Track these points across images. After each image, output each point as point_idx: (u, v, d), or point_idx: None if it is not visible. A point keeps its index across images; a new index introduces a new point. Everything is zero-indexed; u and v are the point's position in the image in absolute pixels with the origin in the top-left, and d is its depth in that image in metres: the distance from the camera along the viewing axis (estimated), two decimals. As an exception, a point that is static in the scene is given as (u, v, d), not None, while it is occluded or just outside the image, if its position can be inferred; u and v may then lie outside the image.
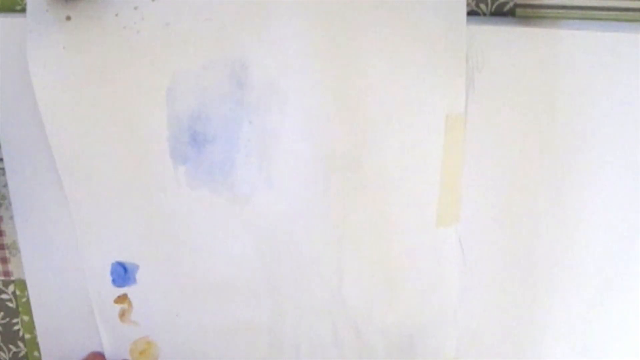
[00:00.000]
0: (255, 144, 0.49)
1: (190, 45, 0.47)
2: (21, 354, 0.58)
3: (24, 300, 0.56)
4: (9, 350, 0.58)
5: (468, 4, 0.46)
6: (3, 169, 0.53)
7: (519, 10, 0.46)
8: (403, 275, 0.52)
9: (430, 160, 0.48)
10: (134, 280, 0.54)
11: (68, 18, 0.47)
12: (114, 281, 0.54)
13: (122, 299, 0.54)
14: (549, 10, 0.46)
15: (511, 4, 0.46)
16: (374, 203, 0.50)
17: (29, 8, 0.47)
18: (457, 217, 0.50)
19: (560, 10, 0.46)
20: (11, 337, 0.58)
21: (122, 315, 0.55)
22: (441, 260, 0.51)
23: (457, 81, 0.46)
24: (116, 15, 0.47)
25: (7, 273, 0.56)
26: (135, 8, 0.46)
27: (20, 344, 0.58)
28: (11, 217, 0.54)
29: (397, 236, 0.51)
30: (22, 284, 0.56)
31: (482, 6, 0.46)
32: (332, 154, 0.49)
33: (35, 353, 0.58)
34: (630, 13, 0.45)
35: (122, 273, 0.53)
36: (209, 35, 0.47)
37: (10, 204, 0.53)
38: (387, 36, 0.46)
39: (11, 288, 0.56)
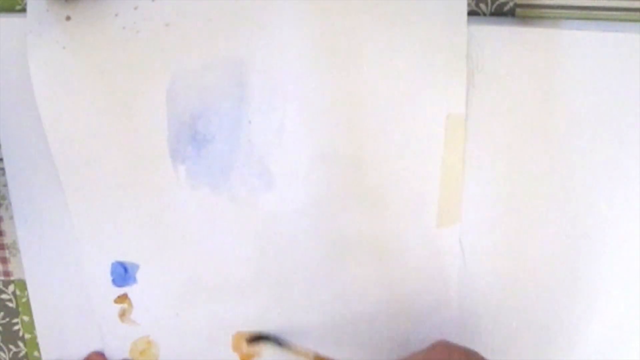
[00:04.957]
0: (255, 143, 0.49)
1: (190, 45, 0.47)
2: (21, 354, 0.58)
3: (24, 300, 0.56)
4: (9, 350, 0.58)
5: (468, 4, 0.46)
6: (3, 169, 0.53)
7: (519, 10, 0.46)
8: (403, 275, 0.52)
9: (430, 161, 0.48)
10: (134, 280, 0.54)
11: (68, 18, 0.47)
12: (114, 281, 0.54)
13: (122, 298, 0.54)
14: (549, 10, 0.46)
15: (511, 4, 0.46)
16: (375, 203, 0.50)
17: (29, 8, 0.47)
18: (457, 217, 0.50)
19: (560, 10, 0.46)
20: (11, 337, 0.58)
21: (123, 315, 0.55)
22: (441, 260, 0.51)
23: (457, 81, 0.46)
24: (116, 15, 0.47)
25: (7, 273, 0.56)
26: (135, 8, 0.46)
27: (20, 344, 0.58)
28: (11, 217, 0.54)
29: (397, 236, 0.51)
30: (22, 284, 0.56)
31: (482, 6, 0.46)
32: (332, 153, 0.49)
33: (35, 353, 0.58)
34: (630, 13, 0.45)
35: (123, 273, 0.53)
36: (209, 35, 0.47)
37: (10, 204, 0.53)
38: (387, 36, 0.46)
39: (11, 288, 0.56)
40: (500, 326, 0.53)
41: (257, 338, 0.54)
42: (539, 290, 0.52)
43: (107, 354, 0.56)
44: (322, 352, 0.54)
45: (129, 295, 0.54)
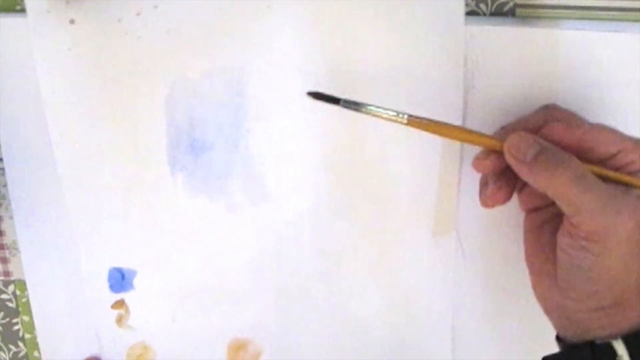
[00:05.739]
0: (253, 151, 0.49)
1: (190, 53, 0.47)
2: (21, 354, 0.58)
3: (24, 300, 0.56)
4: (9, 350, 0.58)
5: (468, 4, 0.46)
6: (3, 169, 0.53)
7: (519, 10, 0.46)
8: (400, 283, 0.52)
9: (427, 168, 0.49)
10: (132, 286, 0.54)
11: (72, 22, 0.47)
12: (111, 287, 0.54)
13: (119, 304, 0.54)
14: (549, 10, 0.46)
15: (511, 4, 0.46)
16: (372, 212, 0.50)
17: (28, 9, 0.46)
18: (452, 225, 0.50)
19: (560, 10, 0.45)
20: (11, 337, 0.58)
21: (119, 320, 0.55)
22: (437, 268, 0.51)
23: (454, 87, 0.46)
24: (119, 21, 0.47)
25: (7, 273, 0.56)
26: (138, 14, 0.46)
27: (20, 344, 0.58)
28: (11, 217, 0.54)
29: (394, 245, 0.51)
30: (22, 284, 0.56)
31: (482, 6, 0.46)
32: (330, 162, 0.49)
33: (35, 353, 0.58)
34: (630, 13, 0.45)
35: (120, 279, 0.53)
36: (209, 43, 0.47)
37: (10, 204, 0.53)
38: (386, 40, 0.46)
39: (11, 288, 0.56)
40: (501, 326, 0.53)
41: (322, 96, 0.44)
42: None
43: (105, 358, 0.56)
44: (319, 358, 0.55)
45: (126, 301, 0.54)
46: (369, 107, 0.43)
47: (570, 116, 0.43)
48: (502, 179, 0.44)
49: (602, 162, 0.41)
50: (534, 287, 0.45)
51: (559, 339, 0.43)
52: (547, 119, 0.43)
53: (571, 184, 0.39)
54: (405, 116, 0.43)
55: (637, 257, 0.39)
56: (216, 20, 0.46)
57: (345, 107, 0.43)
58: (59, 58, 0.48)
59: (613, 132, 0.41)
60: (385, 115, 0.43)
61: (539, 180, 0.40)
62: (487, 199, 0.45)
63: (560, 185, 0.39)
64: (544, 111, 0.44)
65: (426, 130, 0.43)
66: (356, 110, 0.43)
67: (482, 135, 0.44)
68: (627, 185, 0.40)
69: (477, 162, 0.44)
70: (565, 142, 0.41)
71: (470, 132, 0.44)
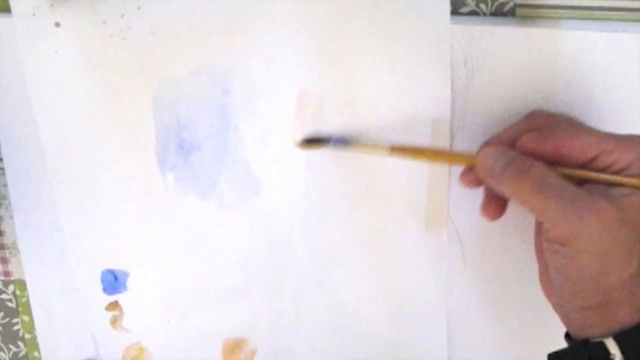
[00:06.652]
0: (242, 149, 0.49)
1: (176, 53, 0.47)
2: (21, 354, 0.59)
3: (24, 300, 0.56)
4: (9, 350, 0.58)
5: (468, 4, 0.45)
6: (3, 169, 0.53)
7: (519, 10, 0.46)
8: (394, 277, 0.52)
9: (418, 164, 0.48)
10: (125, 288, 0.54)
11: (57, 25, 0.47)
12: (104, 289, 0.54)
13: (113, 306, 0.54)
14: (549, 10, 0.45)
15: (511, 4, 0.46)
16: (364, 207, 0.50)
17: (15, 13, 0.47)
18: (445, 219, 0.50)
19: (560, 10, 0.45)
20: (11, 337, 0.58)
21: (114, 322, 0.55)
22: (431, 261, 0.51)
23: (441, 88, 0.46)
24: (104, 22, 0.47)
25: (7, 273, 0.56)
26: (122, 16, 0.46)
27: (20, 344, 0.58)
28: (11, 217, 0.54)
29: (387, 239, 0.51)
30: (22, 284, 0.56)
31: (482, 6, 0.46)
32: (319, 157, 0.49)
33: (35, 353, 0.58)
34: (630, 13, 0.45)
35: (113, 281, 0.53)
36: (195, 43, 0.47)
37: (10, 204, 0.54)
38: (374, 45, 0.46)
39: (11, 288, 0.56)
40: (497, 326, 0.53)
41: (314, 141, 0.49)
42: (538, 288, 0.51)
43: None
44: (313, 356, 0.55)
45: (120, 302, 0.54)
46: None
47: (550, 123, 0.44)
48: (491, 193, 0.45)
49: (585, 165, 0.41)
50: (541, 286, 0.46)
51: (567, 336, 0.44)
52: (528, 128, 0.44)
53: (533, 191, 0.40)
54: (387, 147, 0.46)
55: (614, 257, 0.38)
56: (199, 19, 0.46)
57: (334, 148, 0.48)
58: (46, 61, 0.48)
59: (590, 136, 0.41)
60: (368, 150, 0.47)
61: (506, 190, 0.41)
62: (484, 214, 0.46)
63: (524, 193, 0.40)
64: (526, 120, 0.45)
65: (409, 157, 0.46)
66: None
67: (459, 154, 0.47)
68: (611, 185, 0.40)
69: (461, 179, 0.46)
70: (539, 151, 0.42)
71: (449, 153, 0.47)
